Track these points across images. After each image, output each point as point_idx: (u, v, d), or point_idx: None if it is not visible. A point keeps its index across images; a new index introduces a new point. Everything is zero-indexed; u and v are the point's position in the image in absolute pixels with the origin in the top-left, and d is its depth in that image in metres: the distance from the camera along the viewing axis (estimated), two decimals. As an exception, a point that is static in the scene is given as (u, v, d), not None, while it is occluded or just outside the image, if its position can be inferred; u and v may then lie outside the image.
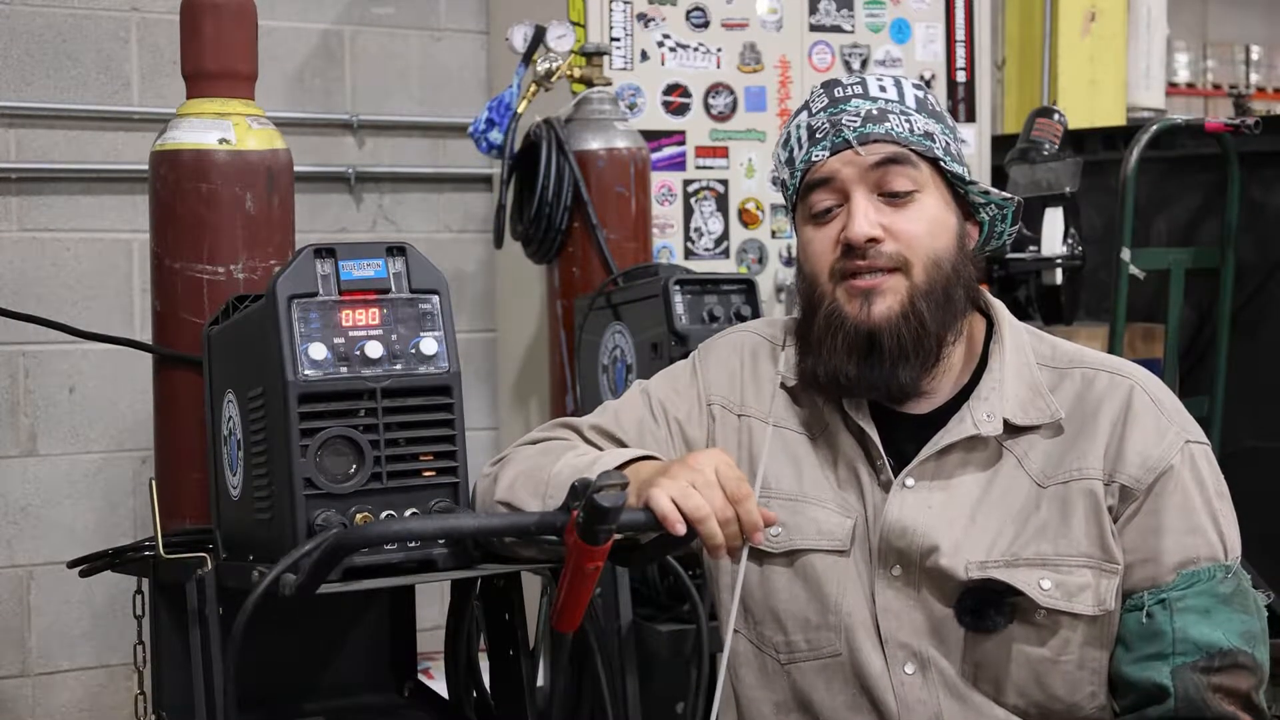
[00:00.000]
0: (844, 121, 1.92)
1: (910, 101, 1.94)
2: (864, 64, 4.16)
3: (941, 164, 1.92)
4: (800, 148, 1.95)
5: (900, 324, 1.88)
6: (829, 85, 1.97)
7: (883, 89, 1.94)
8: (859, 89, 1.94)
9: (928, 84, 4.03)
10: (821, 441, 1.98)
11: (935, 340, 1.90)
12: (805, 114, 1.97)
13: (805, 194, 1.95)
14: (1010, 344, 1.97)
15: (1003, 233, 2.01)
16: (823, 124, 1.93)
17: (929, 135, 1.92)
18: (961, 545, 1.88)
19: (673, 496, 1.73)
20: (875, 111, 1.91)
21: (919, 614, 1.89)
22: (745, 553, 1.79)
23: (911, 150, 1.90)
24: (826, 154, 1.92)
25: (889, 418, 1.94)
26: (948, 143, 1.94)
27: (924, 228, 1.90)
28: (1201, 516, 1.88)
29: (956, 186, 1.94)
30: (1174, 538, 1.86)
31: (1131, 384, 1.93)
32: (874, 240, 1.88)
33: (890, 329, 1.88)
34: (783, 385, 2.02)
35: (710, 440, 2.03)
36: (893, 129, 1.90)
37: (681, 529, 1.73)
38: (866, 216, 1.89)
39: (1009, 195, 1.98)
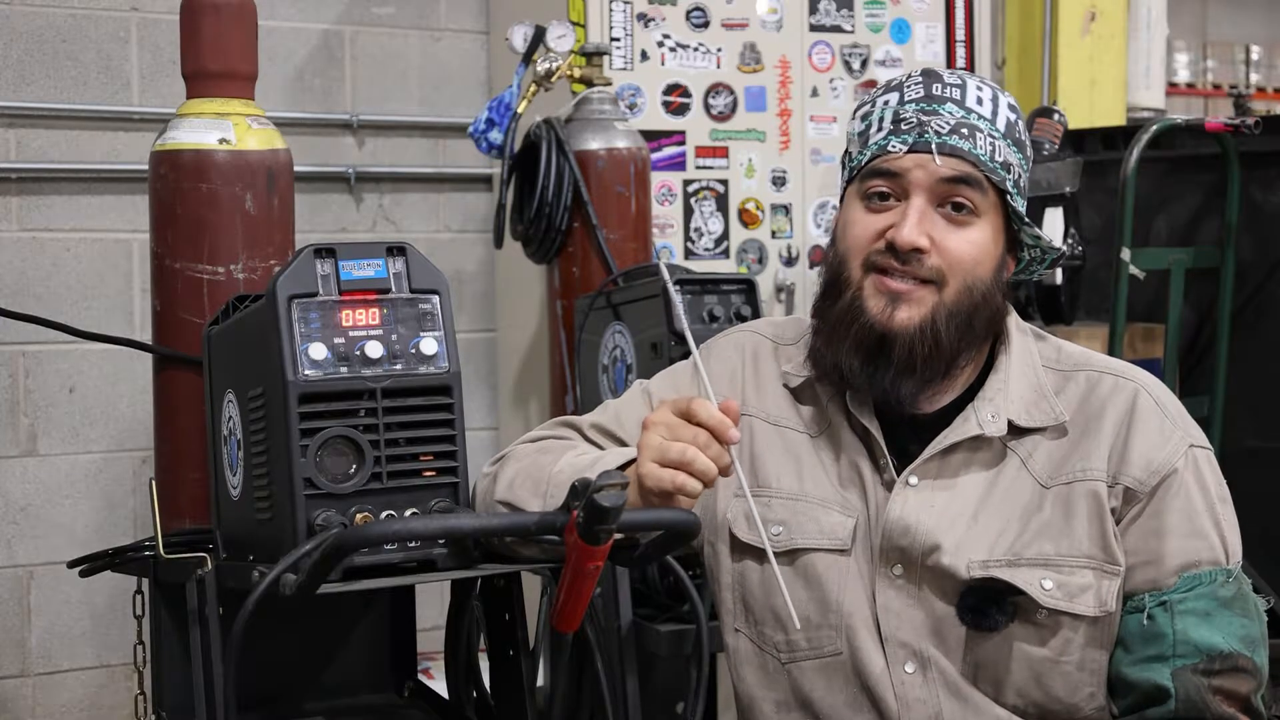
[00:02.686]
0: (933, 125, 1.88)
1: (1001, 124, 1.90)
2: (864, 64, 4.15)
3: (1008, 197, 1.90)
4: (879, 130, 1.91)
5: (916, 336, 1.87)
6: (929, 76, 1.93)
7: (980, 101, 1.90)
8: (957, 93, 1.90)
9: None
10: (824, 440, 1.98)
11: (946, 361, 1.89)
12: (896, 96, 1.92)
13: (868, 175, 1.92)
14: (1016, 346, 1.96)
15: (1035, 272, 1.99)
16: (911, 116, 1.89)
17: (1007, 165, 1.89)
18: (963, 544, 1.88)
19: (658, 461, 1.77)
20: (965, 124, 1.88)
21: (919, 613, 1.89)
22: (734, 454, 1.79)
23: (987, 176, 1.88)
24: (904, 149, 1.88)
25: (893, 417, 1.94)
26: (1020, 175, 1.92)
27: (970, 251, 1.88)
28: (1204, 520, 1.88)
29: (1013, 221, 1.92)
30: (1176, 540, 1.87)
31: (1136, 387, 1.93)
32: (919, 250, 1.87)
33: (905, 338, 1.87)
34: (785, 385, 2.02)
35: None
36: (976, 149, 1.87)
37: (696, 485, 1.76)
38: (919, 225, 1.87)
39: (1057, 246, 1.96)
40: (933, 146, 1.87)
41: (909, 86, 1.93)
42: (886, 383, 1.88)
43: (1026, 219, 1.93)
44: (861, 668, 1.91)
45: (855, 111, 1.98)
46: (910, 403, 1.91)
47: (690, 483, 1.76)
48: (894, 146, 1.89)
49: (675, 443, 1.77)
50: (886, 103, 1.93)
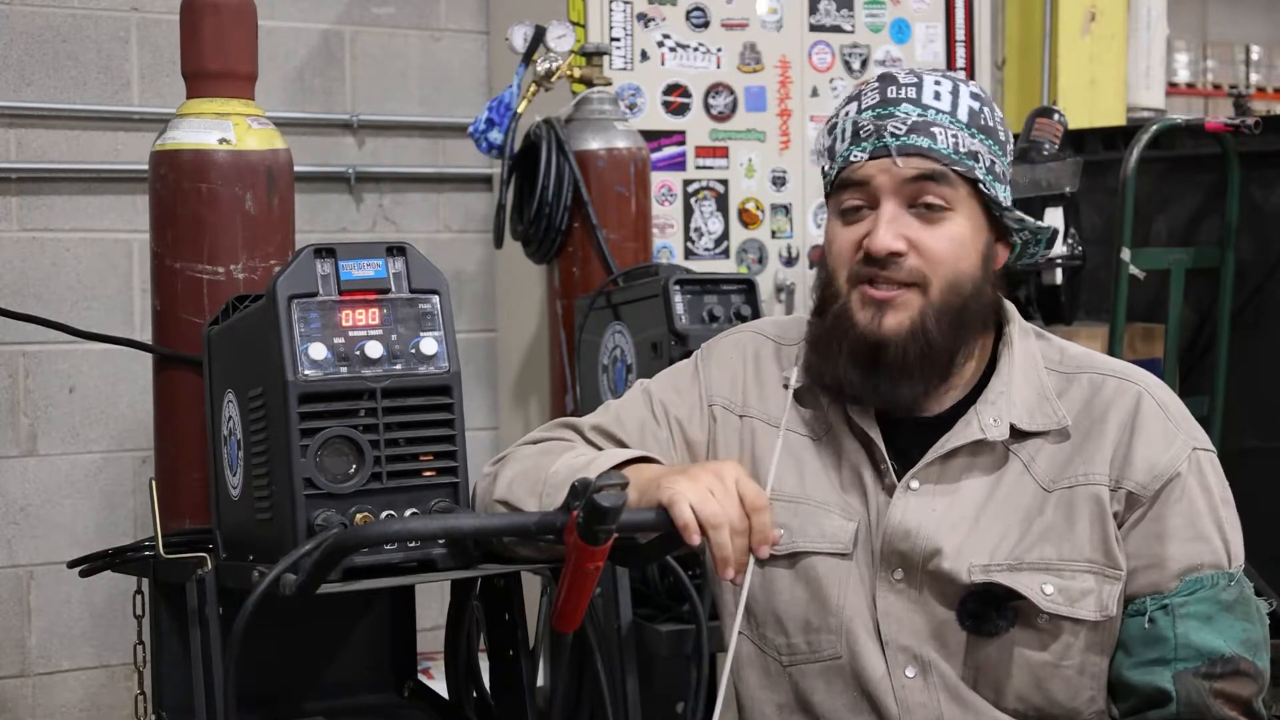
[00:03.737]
0: (889, 128, 1.87)
1: (963, 114, 1.88)
2: (864, 64, 4.16)
3: (981, 185, 1.88)
4: (843, 141, 1.91)
5: (908, 340, 1.86)
6: (885, 80, 1.92)
7: (937, 96, 1.88)
8: (913, 92, 1.89)
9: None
10: (825, 444, 1.97)
11: (942, 360, 1.88)
12: (855, 106, 1.92)
13: (839, 189, 1.92)
14: (1019, 348, 1.95)
15: (1035, 255, 1.96)
16: (868, 124, 1.89)
17: (973, 155, 1.87)
18: (964, 548, 1.87)
19: (691, 502, 1.73)
20: (922, 122, 1.87)
21: (920, 617, 1.89)
22: (751, 568, 1.77)
23: (952, 169, 1.87)
24: (865, 157, 1.88)
25: (894, 420, 1.93)
26: (992, 162, 1.89)
27: (949, 248, 1.87)
28: (1206, 523, 1.87)
29: (993, 209, 1.91)
30: (1179, 544, 1.86)
31: (1139, 390, 1.92)
32: (896, 254, 1.86)
33: (897, 343, 1.86)
34: (785, 386, 2.01)
35: (712, 441, 2.02)
36: (936, 145, 1.86)
37: (697, 539, 1.72)
38: (892, 228, 1.86)
39: (1045, 225, 1.94)
40: (892, 149, 1.87)
41: (866, 94, 1.93)
42: (886, 391, 1.88)
43: (1006, 205, 1.91)
44: (861, 672, 1.90)
45: (824, 127, 1.99)
46: (913, 406, 1.90)
47: (693, 527, 1.73)
48: (855, 157, 1.89)
49: (719, 511, 1.73)
50: (847, 114, 1.93)
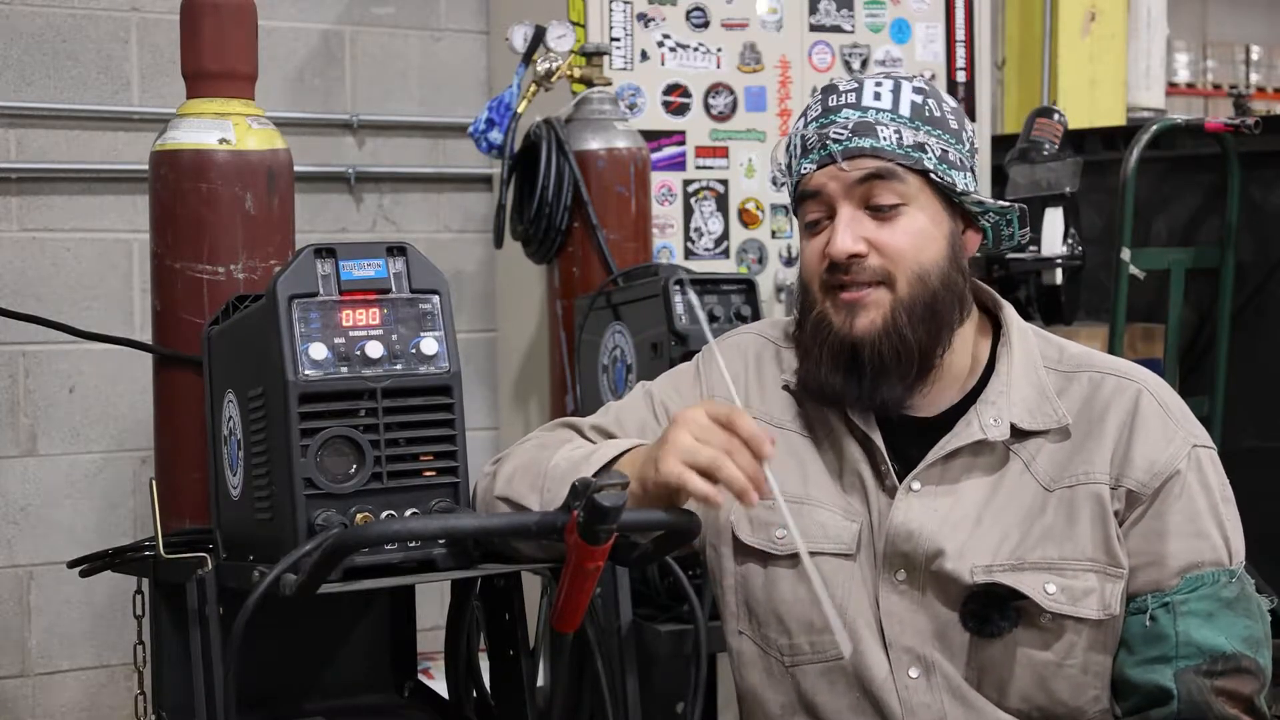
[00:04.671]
0: (831, 134, 1.90)
1: (905, 109, 1.90)
2: (864, 64, 4.15)
3: (933, 175, 1.90)
4: (796, 158, 1.95)
5: (881, 339, 1.87)
6: (826, 91, 1.95)
7: (877, 96, 1.91)
8: (853, 96, 1.92)
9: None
10: (826, 445, 1.97)
11: (918, 355, 1.89)
12: (803, 122, 1.96)
13: (798, 204, 1.95)
14: (1018, 347, 1.96)
15: (1012, 235, 1.98)
16: (813, 135, 1.92)
17: (920, 146, 1.89)
18: (967, 549, 1.87)
19: (685, 461, 1.73)
20: (863, 123, 1.89)
21: (923, 618, 1.89)
22: (769, 474, 1.74)
23: (898, 164, 1.89)
24: (814, 168, 1.91)
25: (894, 422, 1.93)
26: (944, 151, 1.91)
27: (909, 241, 1.88)
28: (1207, 521, 1.87)
29: (952, 196, 1.93)
30: (1179, 542, 1.86)
31: (1139, 388, 1.92)
32: (857, 256, 1.88)
33: (871, 343, 1.88)
34: (786, 388, 2.01)
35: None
36: (878, 143, 1.88)
37: (720, 499, 1.73)
38: (849, 232, 1.88)
39: (1007, 203, 1.96)
40: (835, 155, 1.89)
41: (812, 107, 1.96)
42: (867, 391, 1.89)
43: (962, 190, 1.92)
44: (865, 673, 1.90)
45: (783, 146, 2.01)
46: (896, 406, 1.91)
47: (710, 491, 1.74)
48: (805, 169, 1.92)
49: (706, 447, 1.74)
50: (796, 132, 1.96)
